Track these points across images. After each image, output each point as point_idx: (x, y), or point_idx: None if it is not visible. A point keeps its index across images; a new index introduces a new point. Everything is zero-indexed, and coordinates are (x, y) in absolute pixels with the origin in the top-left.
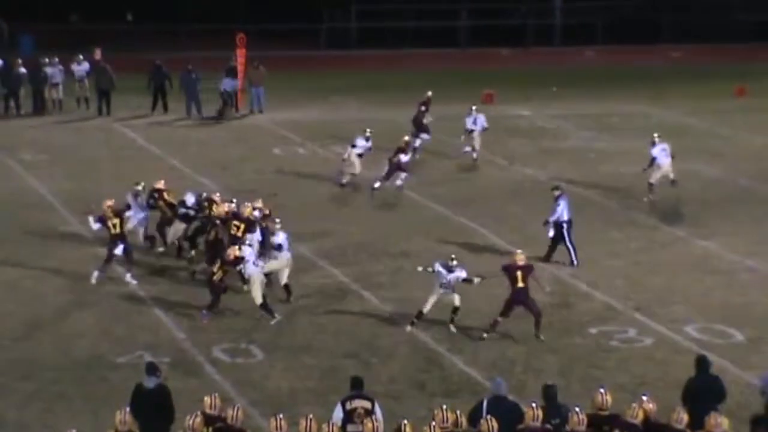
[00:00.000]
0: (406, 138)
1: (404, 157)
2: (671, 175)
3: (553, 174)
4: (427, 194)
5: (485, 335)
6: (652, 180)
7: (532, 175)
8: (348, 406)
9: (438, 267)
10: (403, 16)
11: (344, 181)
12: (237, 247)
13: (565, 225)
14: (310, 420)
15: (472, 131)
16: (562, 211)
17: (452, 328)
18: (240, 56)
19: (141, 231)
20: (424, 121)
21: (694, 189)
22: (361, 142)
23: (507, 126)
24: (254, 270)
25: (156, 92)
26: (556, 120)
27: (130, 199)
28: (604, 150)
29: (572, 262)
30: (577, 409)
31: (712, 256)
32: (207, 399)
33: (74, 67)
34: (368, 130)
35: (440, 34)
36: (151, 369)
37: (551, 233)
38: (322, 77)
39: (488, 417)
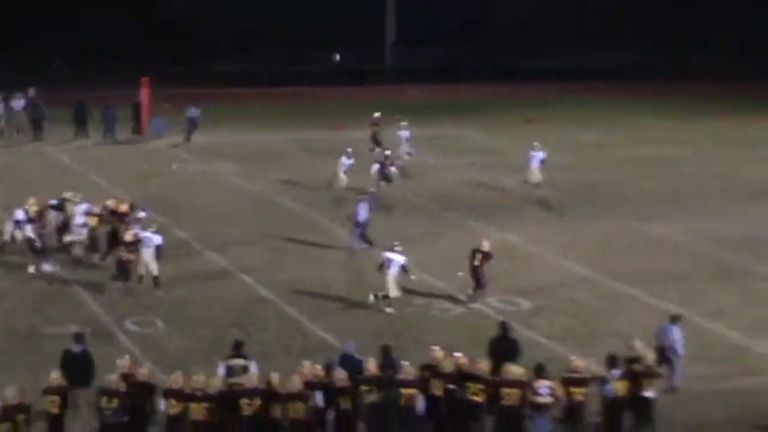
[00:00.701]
0: (387, 152)
1: (392, 168)
2: (537, 179)
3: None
4: (300, 200)
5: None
6: (531, 180)
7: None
8: (230, 363)
9: (387, 255)
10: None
11: (336, 185)
12: (132, 232)
13: (361, 223)
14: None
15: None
16: (360, 212)
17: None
18: (143, 95)
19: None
20: (379, 137)
21: (497, 194)
22: (345, 160)
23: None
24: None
25: (79, 122)
26: None
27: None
28: (434, 164)
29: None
30: (407, 362)
31: (511, 245)
32: (120, 361)
33: (13, 102)
34: (349, 149)
35: (296, 76)
36: (78, 338)
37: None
38: (206, 109)
39: (339, 369)
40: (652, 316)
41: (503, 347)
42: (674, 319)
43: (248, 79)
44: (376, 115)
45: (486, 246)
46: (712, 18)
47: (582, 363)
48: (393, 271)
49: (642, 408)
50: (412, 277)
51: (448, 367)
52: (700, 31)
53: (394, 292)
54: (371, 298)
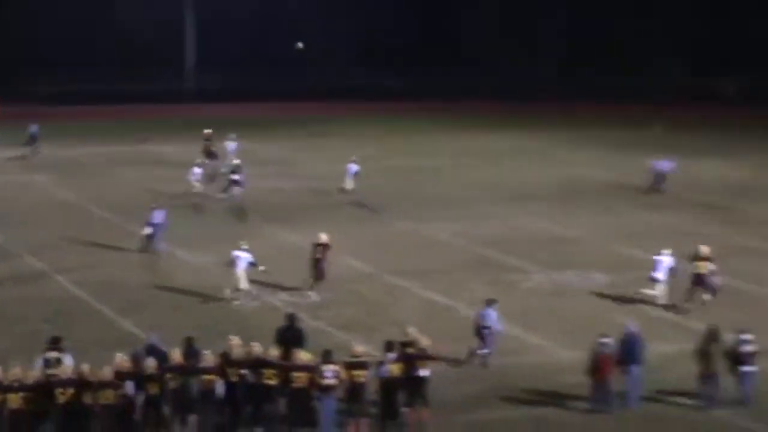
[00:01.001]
0: (237, 161)
1: (237, 176)
2: (350, 187)
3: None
4: (108, 207)
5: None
6: (346, 187)
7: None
8: (46, 356)
9: (236, 253)
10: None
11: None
12: None
13: (156, 227)
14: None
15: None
16: (155, 218)
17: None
18: None
19: None
20: (212, 149)
21: (285, 198)
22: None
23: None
24: None
25: None
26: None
27: None
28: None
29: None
30: (207, 351)
31: (299, 246)
32: None
33: None
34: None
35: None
36: None
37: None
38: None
39: (150, 358)
40: (424, 306)
41: (290, 336)
42: (490, 303)
43: (64, 98)
44: (208, 131)
45: (324, 239)
46: (478, 42)
47: (362, 348)
48: (241, 267)
49: (416, 386)
50: (261, 268)
51: (242, 354)
52: (469, 53)
53: (244, 284)
54: (227, 292)
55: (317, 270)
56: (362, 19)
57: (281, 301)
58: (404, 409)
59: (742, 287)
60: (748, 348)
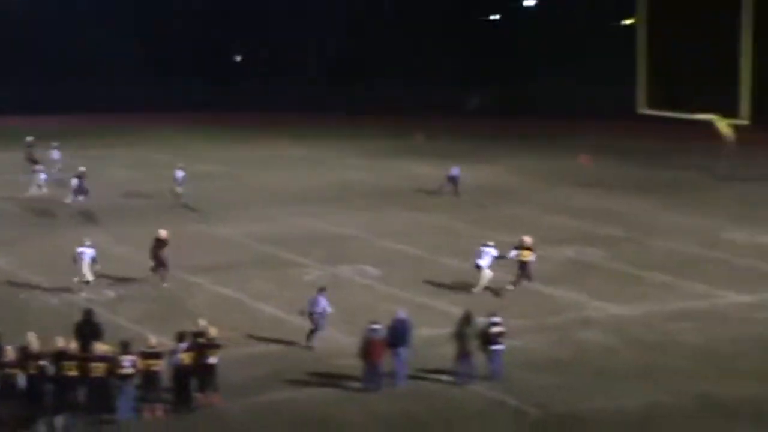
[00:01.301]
0: (82, 168)
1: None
2: (179, 191)
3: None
4: None
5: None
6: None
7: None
8: None
9: (80, 249)
10: None
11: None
12: None
13: None
14: None
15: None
16: None
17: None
18: None
19: None
20: (35, 156)
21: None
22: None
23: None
24: None
25: None
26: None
27: None
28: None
29: None
30: (9, 346)
31: (102, 245)
32: None
33: None
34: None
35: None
36: None
37: None
38: None
39: None
40: (214, 299)
41: (88, 330)
42: (321, 290)
43: None
44: (30, 138)
45: (163, 234)
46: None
47: (156, 339)
48: (86, 261)
49: (205, 373)
50: (97, 267)
51: (41, 348)
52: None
53: (89, 276)
54: (76, 280)
55: (157, 261)
56: (150, 31)
57: (81, 298)
58: (196, 394)
59: (495, 276)
60: (496, 329)
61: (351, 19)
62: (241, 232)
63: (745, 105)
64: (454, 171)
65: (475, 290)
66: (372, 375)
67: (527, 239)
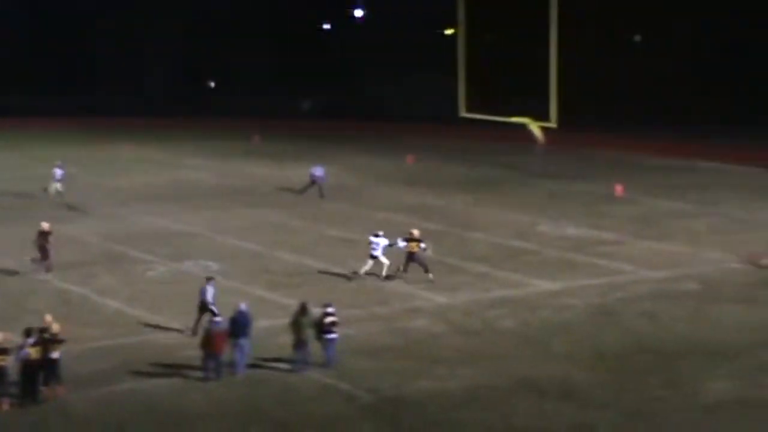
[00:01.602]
0: None
1: None
2: (56, 189)
3: None
4: None
5: None
6: (50, 190)
7: None
8: None
9: None
10: None
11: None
12: None
13: None
14: None
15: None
16: None
17: None
18: None
19: None
20: None
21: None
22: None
23: None
24: None
25: None
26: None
27: None
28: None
29: None
30: None
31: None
32: None
33: None
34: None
35: None
36: None
37: None
38: None
39: None
40: (60, 295)
41: None
42: (209, 279)
43: None
44: None
45: (45, 227)
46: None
47: (2, 336)
48: None
49: (50, 367)
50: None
51: None
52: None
53: None
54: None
55: (42, 252)
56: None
57: None
58: (42, 388)
59: (330, 269)
60: (330, 319)
61: (189, 26)
62: (86, 231)
63: (553, 111)
64: (318, 171)
65: (380, 277)
66: (213, 365)
67: (415, 232)
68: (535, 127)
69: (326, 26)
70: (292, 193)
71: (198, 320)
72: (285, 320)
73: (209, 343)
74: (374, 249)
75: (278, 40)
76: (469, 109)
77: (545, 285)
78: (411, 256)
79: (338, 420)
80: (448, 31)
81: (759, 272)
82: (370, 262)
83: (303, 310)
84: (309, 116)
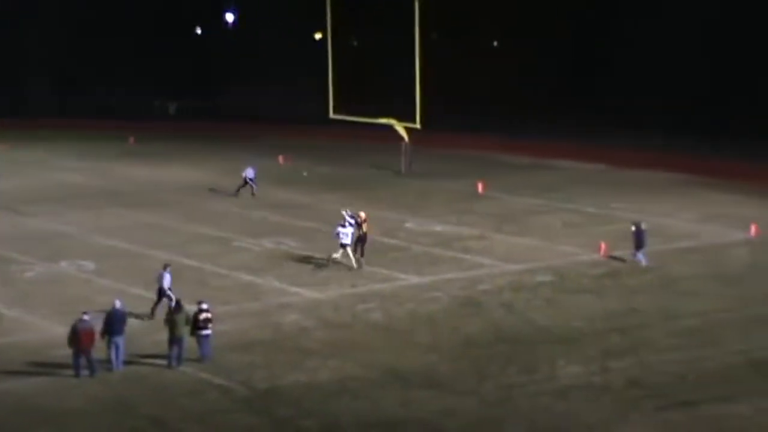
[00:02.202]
0: None
1: None
2: None
3: None
4: None
5: None
6: None
7: None
8: None
9: None
10: None
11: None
12: None
13: None
14: None
15: None
16: None
17: None
18: None
19: None
20: None
21: None
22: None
23: None
24: None
25: None
26: None
27: None
28: None
29: None
30: None
31: None
32: None
33: None
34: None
35: None
36: None
37: None
38: None
39: None
40: None
41: None
42: (166, 266)
43: None
44: None
45: None
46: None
47: None
48: None
49: None
50: None
51: None
52: None
53: None
54: None
55: None
56: None
57: None
58: None
59: (204, 267)
60: (204, 315)
61: (64, 28)
62: None
63: (417, 112)
64: (250, 173)
65: (355, 268)
66: (84, 362)
67: (362, 214)
68: (400, 128)
69: (198, 30)
70: (227, 195)
71: (156, 305)
72: (160, 318)
73: (76, 340)
74: (344, 237)
75: (150, 43)
76: (338, 111)
77: (412, 279)
78: (363, 238)
79: (214, 414)
80: (317, 35)
81: (607, 263)
82: (341, 251)
83: (178, 307)
84: (179, 118)
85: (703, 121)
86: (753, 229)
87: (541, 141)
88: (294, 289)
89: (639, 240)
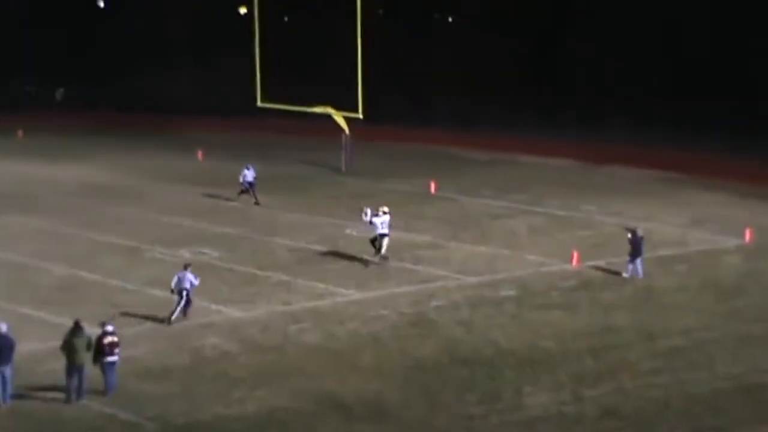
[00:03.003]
0: None
1: None
2: None
3: None
4: None
5: None
6: None
7: None
8: None
9: None
10: None
11: None
12: None
13: None
14: None
15: None
16: None
17: None
18: None
19: None
20: None
21: None
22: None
23: None
24: None
25: None
26: None
27: None
28: None
29: None
30: None
31: None
32: None
33: None
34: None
35: None
36: None
37: None
38: None
39: None
40: None
41: None
42: (186, 266)
43: None
44: None
45: None
46: None
47: None
48: None
49: None
50: None
51: None
52: None
53: None
54: None
55: None
56: None
57: None
58: None
59: (110, 282)
60: (109, 339)
61: None
62: None
63: (359, 100)
64: (249, 175)
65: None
66: None
67: (385, 209)
68: (339, 118)
69: (101, 3)
70: (225, 200)
71: (176, 309)
72: (55, 342)
73: None
74: (382, 227)
75: (37, 26)
76: (267, 99)
77: (354, 294)
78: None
79: None
80: (242, 10)
81: (580, 274)
82: (386, 241)
83: (77, 329)
84: (68, 108)
85: (685, 110)
86: (747, 234)
87: (501, 133)
88: (216, 306)
89: (636, 248)
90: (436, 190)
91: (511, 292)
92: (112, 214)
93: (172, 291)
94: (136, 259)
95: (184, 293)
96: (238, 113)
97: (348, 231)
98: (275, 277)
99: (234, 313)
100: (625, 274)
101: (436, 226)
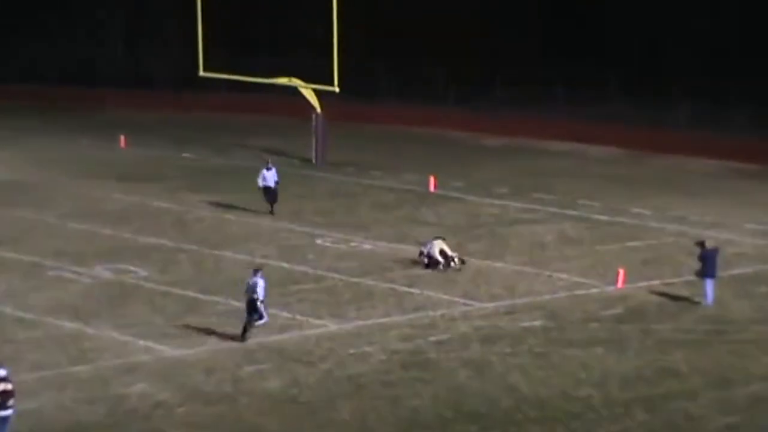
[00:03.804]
0: None
1: None
2: None
3: None
4: None
5: None
6: None
7: None
8: None
9: None
10: None
11: None
12: None
13: None
14: None
15: None
16: None
17: None
18: None
19: None
20: None
21: None
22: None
23: None
24: None
25: None
26: None
27: None
28: None
29: None
30: None
31: None
32: None
33: None
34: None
35: None
36: None
37: None
38: None
39: None
40: None
41: None
42: (256, 271)
43: None
44: None
45: None
46: None
47: None
48: None
49: None
50: None
51: None
52: None
53: None
54: None
55: None
56: None
57: None
58: None
59: (3, 310)
60: (1, 387)
61: None
62: None
63: (335, 70)
64: (269, 180)
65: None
66: None
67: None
68: (308, 93)
69: None
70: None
71: (248, 324)
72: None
73: None
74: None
75: None
76: (212, 68)
77: (328, 326)
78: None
79: None
80: None
81: (628, 299)
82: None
83: None
84: None
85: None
86: None
87: (521, 113)
88: (144, 342)
89: (707, 266)
90: (436, 187)
91: (536, 323)
92: (6, 220)
93: (261, 301)
94: (36, 280)
95: (259, 305)
96: (172, 86)
97: (319, 241)
98: (223, 303)
99: (169, 351)
100: (698, 300)
101: (436, 235)
